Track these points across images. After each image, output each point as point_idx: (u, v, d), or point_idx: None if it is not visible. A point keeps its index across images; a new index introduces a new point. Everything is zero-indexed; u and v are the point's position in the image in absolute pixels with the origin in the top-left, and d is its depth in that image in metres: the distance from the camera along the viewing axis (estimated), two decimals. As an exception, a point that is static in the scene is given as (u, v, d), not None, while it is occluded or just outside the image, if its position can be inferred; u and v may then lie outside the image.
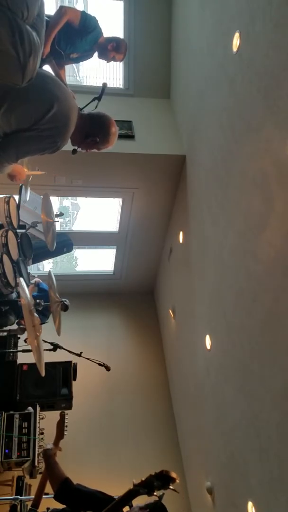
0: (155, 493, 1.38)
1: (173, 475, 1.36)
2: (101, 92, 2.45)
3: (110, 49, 3.28)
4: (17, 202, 3.80)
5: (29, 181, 3.51)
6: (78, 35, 3.14)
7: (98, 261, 6.93)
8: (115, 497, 1.89)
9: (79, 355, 3.03)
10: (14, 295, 3.63)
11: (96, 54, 3.38)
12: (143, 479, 1.40)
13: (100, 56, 3.38)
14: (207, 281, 3.78)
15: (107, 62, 3.44)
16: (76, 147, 2.19)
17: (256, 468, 2.74)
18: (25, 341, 3.48)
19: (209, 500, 3.66)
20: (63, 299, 3.15)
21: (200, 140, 3.97)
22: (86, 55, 3.37)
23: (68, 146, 2.16)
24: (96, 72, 5.09)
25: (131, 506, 1.99)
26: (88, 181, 4.67)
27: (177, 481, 1.36)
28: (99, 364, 3.00)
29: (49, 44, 2.95)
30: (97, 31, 3.21)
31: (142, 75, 4.93)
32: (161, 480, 1.36)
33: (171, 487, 1.36)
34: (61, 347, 3.04)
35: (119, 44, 3.31)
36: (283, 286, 2.41)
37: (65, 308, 4.03)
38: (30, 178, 3.42)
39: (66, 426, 2.85)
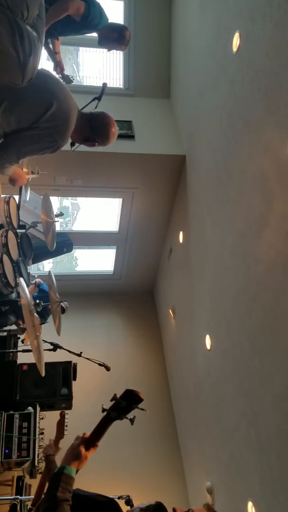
0: (126, 417, 1.42)
1: (137, 392, 1.40)
2: (101, 92, 2.44)
3: (112, 39, 3.10)
4: (17, 202, 3.80)
5: (29, 181, 3.51)
6: (78, 28, 3.05)
7: (98, 261, 6.93)
8: (115, 498, 1.89)
9: (79, 355, 3.02)
10: (14, 295, 3.63)
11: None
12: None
13: (101, 44, 3.19)
14: (207, 281, 3.78)
15: (108, 51, 3.25)
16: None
17: (256, 468, 2.74)
18: (22, 341, 3.48)
19: (209, 500, 3.66)
20: (62, 300, 3.14)
21: (200, 140, 3.97)
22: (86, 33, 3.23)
23: (69, 145, 2.17)
24: (96, 72, 5.09)
25: (132, 506, 1.99)
26: (88, 181, 4.67)
27: (142, 397, 1.40)
28: (99, 364, 2.99)
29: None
30: (100, 27, 3.05)
31: (142, 75, 4.93)
32: (126, 399, 1.40)
33: (139, 406, 1.41)
34: (61, 347, 3.04)
35: (123, 34, 3.11)
36: (283, 286, 2.41)
37: (62, 310, 4.03)
38: (30, 179, 3.41)
39: (66, 426, 2.86)
